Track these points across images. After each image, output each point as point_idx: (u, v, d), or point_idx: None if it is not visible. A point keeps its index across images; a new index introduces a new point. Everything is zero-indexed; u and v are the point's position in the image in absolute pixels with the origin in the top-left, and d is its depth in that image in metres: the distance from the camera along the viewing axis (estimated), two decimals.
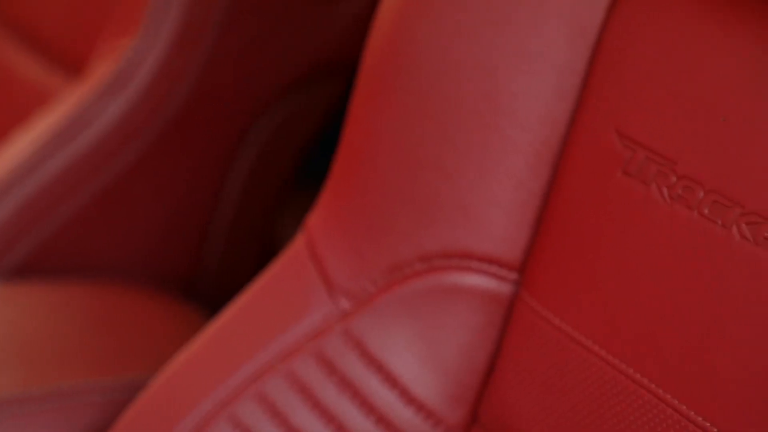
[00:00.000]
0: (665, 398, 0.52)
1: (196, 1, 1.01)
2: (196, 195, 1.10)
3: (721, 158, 0.51)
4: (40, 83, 1.21)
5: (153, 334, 0.92)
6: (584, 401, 0.56)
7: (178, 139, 1.05)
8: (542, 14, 0.60)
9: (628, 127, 0.55)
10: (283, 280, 0.68)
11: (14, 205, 1.02)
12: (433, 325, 0.63)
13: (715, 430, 0.49)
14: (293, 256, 0.69)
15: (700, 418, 0.50)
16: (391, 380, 0.64)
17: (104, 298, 0.97)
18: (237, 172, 1.11)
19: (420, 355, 0.63)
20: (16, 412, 0.78)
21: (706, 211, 0.51)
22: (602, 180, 0.56)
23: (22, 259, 1.03)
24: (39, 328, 0.88)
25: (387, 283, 0.64)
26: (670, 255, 0.52)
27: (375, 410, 0.64)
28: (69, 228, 1.04)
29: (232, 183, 1.11)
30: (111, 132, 1.03)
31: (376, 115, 0.65)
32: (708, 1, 0.54)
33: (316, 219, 0.68)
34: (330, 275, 0.66)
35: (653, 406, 0.52)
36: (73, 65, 1.18)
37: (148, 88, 1.02)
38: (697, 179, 0.52)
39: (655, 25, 0.55)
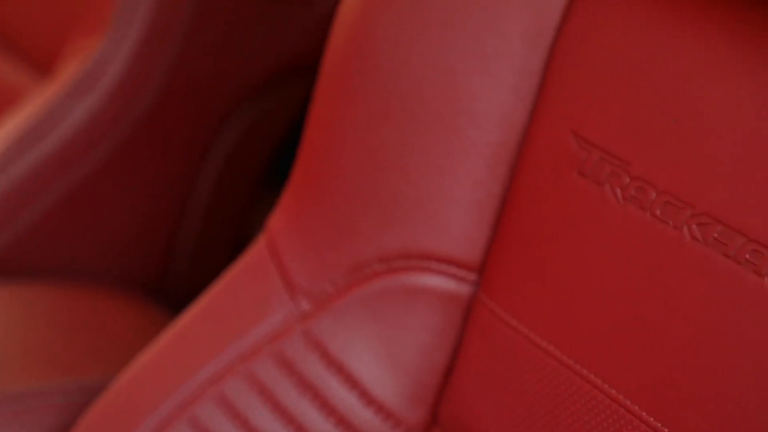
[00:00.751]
0: (618, 399, 0.52)
1: (163, 2, 1.01)
2: (164, 196, 1.09)
3: (673, 159, 0.51)
4: (10, 83, 1.21)
5: (118, 336, 0.92)
6: (540, 402, 0.56)
7: (146, 140, 1.05)
8: (499, 16, 0.60)
9: (584, 127, 0.55)
10: (244, 281, 0.68)
11: None
12: (393, 325, 0.63)
13: (666, 430, 0.50)
14: (254, 257, 0.68)
15: (652, 419, 0.50)
16: (351, 381, 0.64)
17: (70, 299, 0.97)
18: (206, 173, 1.11)
19: (380, 355, 0.63)
20: None
21: (658, 212, 0.51)
22: (558, 181, 0.56)
23: None
24: (3, 330, 0.87)
25: (347, 284, 0.64)
26: (624, 256, 0.52)
27: (335, 412, 0.64)
28: (36, 229, 1.03)
29: (202, 184, 1.11)
30: (79, 133, 1.02)
31: (336, 117, 0.65)
32: (661, 3, 0.54)
33: (277, 220, 0.68)
34: (291, 276, 0.66)
35: (606, 407, 0.52)
36: (43, 65, 1.18)
37: (116, 89, 1.02)
38: (649, 180, 0.52)
39: (610, 26, 0.55)
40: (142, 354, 0.70)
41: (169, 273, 1.13)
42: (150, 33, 1.01)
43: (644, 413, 0.51)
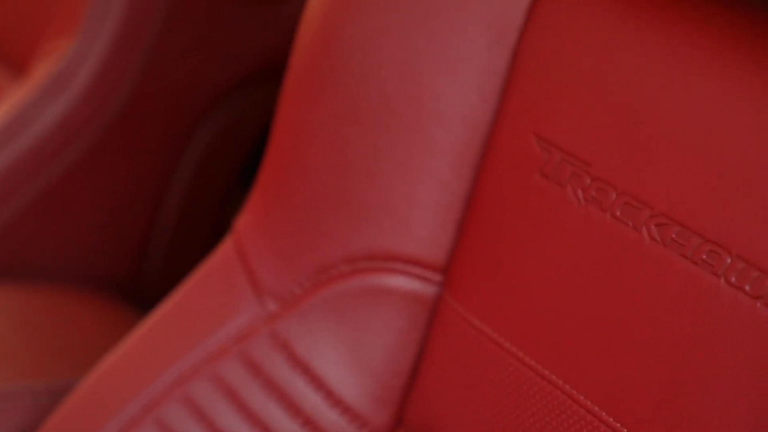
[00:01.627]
0: (578, 399, 0.52)
1: (136, 2, 1.00)
2: (138, 197, 1.09)
3: (632, 160, 0.51)
4: None
5: (87, 338, 0.91)
6: (503, 402, 0.56)
7: (119, 140, 1.05)
8: (464, 17, 0.60)
9: (546, 128, 0.55)
10: (212, 281, 0.68)
11: None
12: (359, 326, 0.63)
13: (625, 430, 0.50)
14: (222, 257, 0.68)
15: (611, 419, 0.50)
16: (317, 382, 0.63)
17: (40, 300, 0.97)
18: (180, 174, 1.11)
19: (346, 356, 0.63)
20: None
21: (618, 213, 0.52)
22: (521, 182, 0.56)
23: None
24: None
25: (313, 285, 0.64)
26: (585, 257, 0.53)
27: (301, 412, 0.64)
28: (9, 230, 1.03)
29: (176, 185, 1.11)
30: (51, 133, 1.02)
31: (302, 118, 0.65)
32: (623, 3, 0.54)
33: (244, 221, 0.68)
34: (257, 277, 0.66)
35: (567, 407, 0.52)
36: (17, 66, 1.17)
37: (89, 89, 1.02)
38: (609, 181, 0.52)
39: (571, 26, 0.55)
40: (109, 355, 0.70)
41: (143, 274, 1.13)
42: (123, 33, 1.01)
43: (604, 414, 0.51)
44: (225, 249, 0.68)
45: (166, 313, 0.69)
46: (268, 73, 1.10)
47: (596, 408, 0.51)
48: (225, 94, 1.10)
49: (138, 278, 1.12)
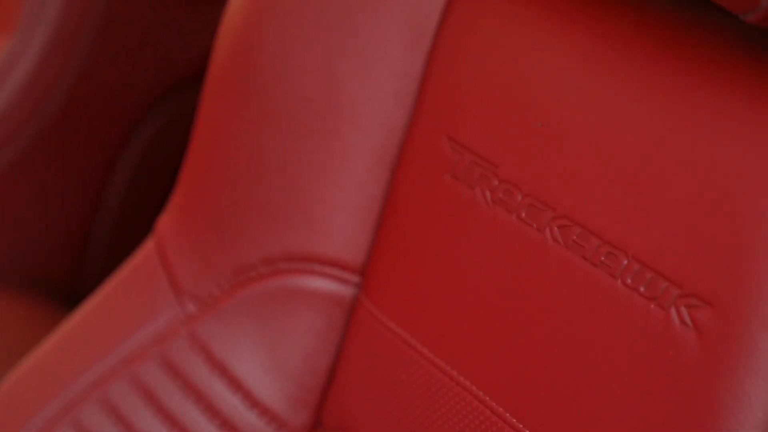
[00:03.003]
0: (484, 400, 0.52)
1: (73, 2, 1.00)
2: (75, 200, 1.08)
3: (537, 163, 0.52)
4: None
5: (17, 341, 0.91)
6: (414, 403, 0.56)
7: (55, 142, 1.04)
8: (380, 20, 0.60)
9: (457, 130, 0.56)
10: (132, 282, 0.68)
11: None
12: (277, 328, 0.63)
13: (527, 431, 0.50)
14: (142, 258, 0.68)
15: (515, 420, 0.51)
16: (234, 384, 0.63)
17: None
18: (119, 176, 1.10)
19: (264, 358, 0.63)
20: None
21: (523, 214, 0.52)
22: (433, 183, 0.57)
23: None
24: None
25: (232, 287, 0.64)
26: (491, 258, 0.53)
27: (219, 414, 0.64)
28: None
29: (114, 188, 1.10)
30: None
31: (222, 119, 0.65)
32: (532, 7, 0.54)
33: (166, 221, 0.68)
34: (177, 278, 0.66)
35: (473, 408, 0.53)
36: None
37: (25, 90, 1.01)
38: (516, 183, 0.52)
39: (483, 27, 0.56)
40: (28, 357, 0.70)
41: (81, 277, 1.12)
42: (59, 34, 1.00)
43: (508, 414, 0.51)
44: (146, 249, 0.68)
45: (86, 314, 0.69)
46: None
47: (500, 409, 0.51)
48: (164, 95, 1.09)
49: (76, 281, 1.11)
